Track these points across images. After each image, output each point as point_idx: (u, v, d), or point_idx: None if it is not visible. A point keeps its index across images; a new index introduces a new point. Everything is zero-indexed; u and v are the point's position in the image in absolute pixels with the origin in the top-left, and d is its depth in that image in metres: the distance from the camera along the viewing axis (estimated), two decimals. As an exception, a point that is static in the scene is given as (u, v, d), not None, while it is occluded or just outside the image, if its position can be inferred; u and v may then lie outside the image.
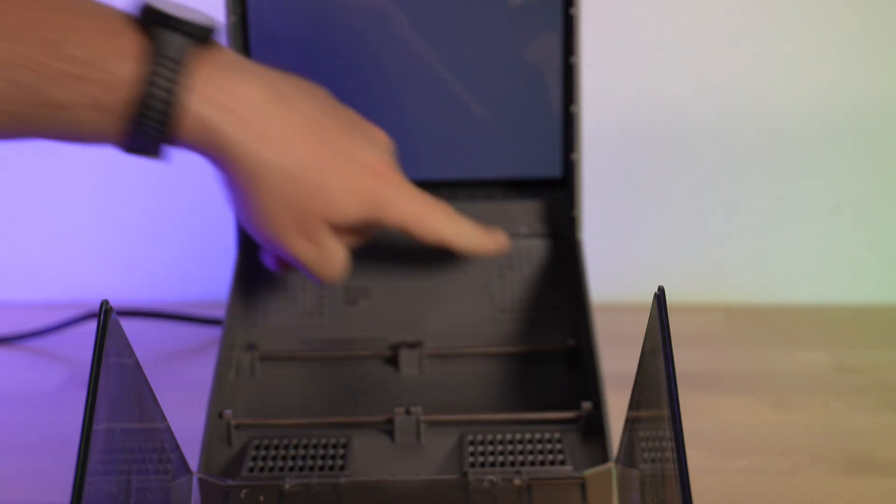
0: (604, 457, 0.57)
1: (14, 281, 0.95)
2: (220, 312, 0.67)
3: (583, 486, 0.56)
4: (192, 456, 0.56)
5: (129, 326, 0.49)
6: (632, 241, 0.91)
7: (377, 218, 0.58)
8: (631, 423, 0.52)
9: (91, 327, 0.62)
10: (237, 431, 0.60)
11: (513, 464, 0.57)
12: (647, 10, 0.85)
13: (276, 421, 0.61)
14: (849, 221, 0.90)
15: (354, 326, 0.67)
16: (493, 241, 0.64)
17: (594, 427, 0.58)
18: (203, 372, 0.65)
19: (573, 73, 0.65)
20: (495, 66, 0.67)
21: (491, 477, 0.56)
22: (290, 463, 0.58)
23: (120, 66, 0.51)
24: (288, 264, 0.62)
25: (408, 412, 0.59)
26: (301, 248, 0.57)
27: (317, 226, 0.57)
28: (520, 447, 0.58)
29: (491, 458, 0.58)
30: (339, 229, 0.58)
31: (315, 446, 0.59)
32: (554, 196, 0.69)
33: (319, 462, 0.58)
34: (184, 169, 0.64)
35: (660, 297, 0.47)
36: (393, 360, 0.66)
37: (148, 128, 0.52)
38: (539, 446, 0.58)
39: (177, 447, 0.54)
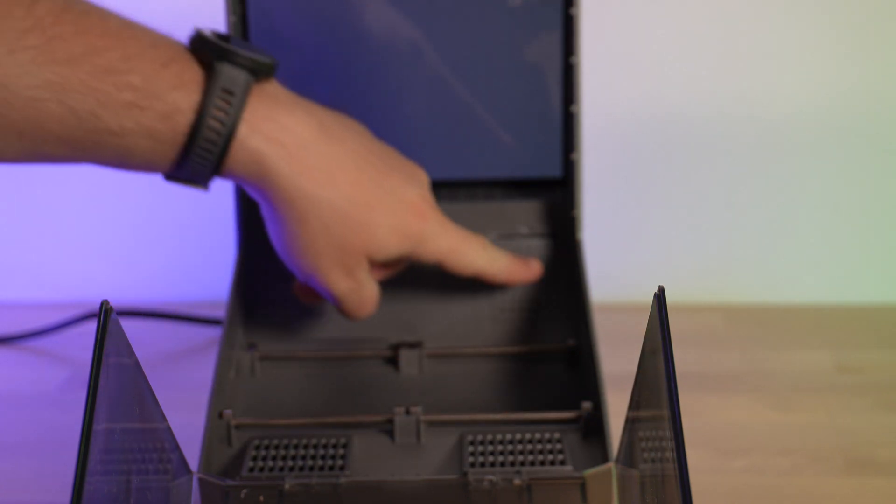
0: (604, 457, 0.57)
1: (14, 281, 0.95)
2: (220, 312, 0.67)
3: (583, 486, 0.56)
4: (192, 456, 0.56)
5: (129, 326, 0.49)
6: (632, 241, 0.91)
7: (416, 254, 0.60)
8: (631, 423, 0.52)
9: (91, 327, 0.62)
10: (237, 431, 0.60)
11: (513, 464, 0.57)
12: (647, 9, 0.85)
13: (276, 421, 0.61)
14: (849, 221, 0.90)
15: (354, 326, 0.67)
16: (526, 269, 0.65)
17: (594, 427, 0.58)
18: (203, 372, 0.65)
19: (573, 73, 0.65)
20: (495, 66, 0.67)
21: (491, 477, 0.56)
22: (290, 463, 0.58)
23: (177, 97, 0.52)
24: (315, 296, 0.64)
25: (408, 412, 0.59)
26: (340, 284, 0.59)
27: (358, 262, 0.58)
28: (520, 447, 0.58)
29: (491, 458, 0.58)
30: (375, 264, 0.60)
31: (315, 446, 0.59)
32: (554, 196, 0.69)
33: (319, 462, 0.58)
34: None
35: (660, 297, 0.47)
36: (393, 360, 0.66)
37: (199, 158, 0.53)
38: (539, 446, 0.58)
39: (177, 447, 0.54)
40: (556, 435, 0.59)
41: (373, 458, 0.58)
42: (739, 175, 0.89)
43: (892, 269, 0.91)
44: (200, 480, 0.56)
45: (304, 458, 0.58)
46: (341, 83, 0.68)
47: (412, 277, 0.67)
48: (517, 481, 0.56)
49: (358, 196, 0.57)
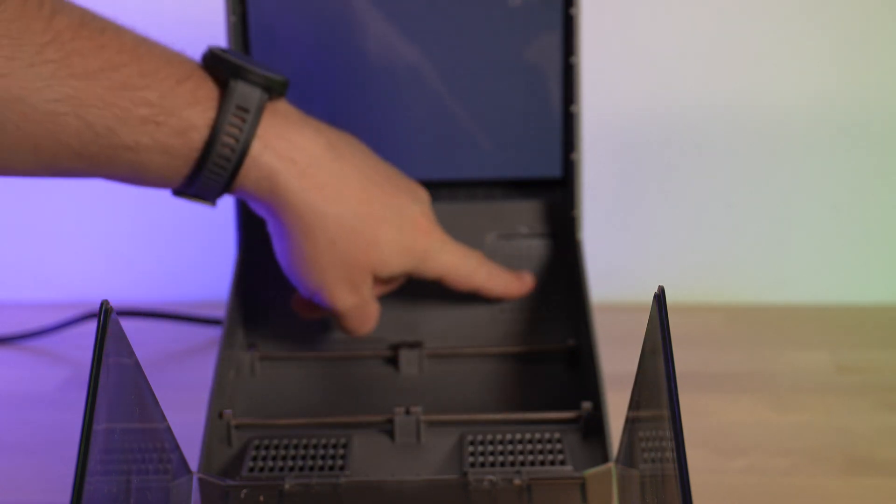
0: (604, 457, 0.57)
1: (14, 281, 0.95)
2: (220, 312, 0.67)
3: (583, 486, 0.56)
4: (192, 456, 0.56)
5: (129, 326, 0.49)
6: (632, 241, 0.91)
7: (418, 271, 0.61)
8: (631, 423, 0.52)
9: (91, 327, 0.62)
10: (237, 431, 0.60)
11: (513, 464, 0.57)
12: (647, 9, 0.85)
13: (276, 421, 0.61)
14: (849, 221, 0.90)
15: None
16: (521, 284, 0.66)
17: (594, 427, 0.58)
18: (203, 372, 0.65)
19: (573, 73, 0.65)
20: (495, 66, 0.67)
21: (491, 477, 0.56)
22: (290, 463, 0.58)
23: (191, 113, 0.53)
24: (315, 311, 0.64)
25: (408, 412, 0.59)
26: (346, 300, 0.60)
27: (363, 278, 0.59)
28: (520, 447, 0.58)
29: (491, 458, 0.58)
30: (377, 280, 0.61)
31: (315, 446, 0.59)
32: (554, 196, 0.69)
33: (319, 462, 0.58)
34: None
35: (660, 297, 0.47)
36: (393, 360, 0.66)
37: (212, 174, 0.54)
38: (539, 446, 0.58)
39: (177, 447, 0.54)
40: (556, 435, 0.59)
41: (373, 458, 0.58)
42: (739, 175, 0.89)
43: (892, 269, 0.91)
44: (200, 480, 0.56)
45: (304, 458, 0.58)
46: (341, 83, 0.68)
47: (412, 277, 0.67)
48: (517, 481, 0.56)
49: (365, 212, 0.58)
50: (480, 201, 0.69)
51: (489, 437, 0.59)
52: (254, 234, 0.66)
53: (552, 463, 0.57)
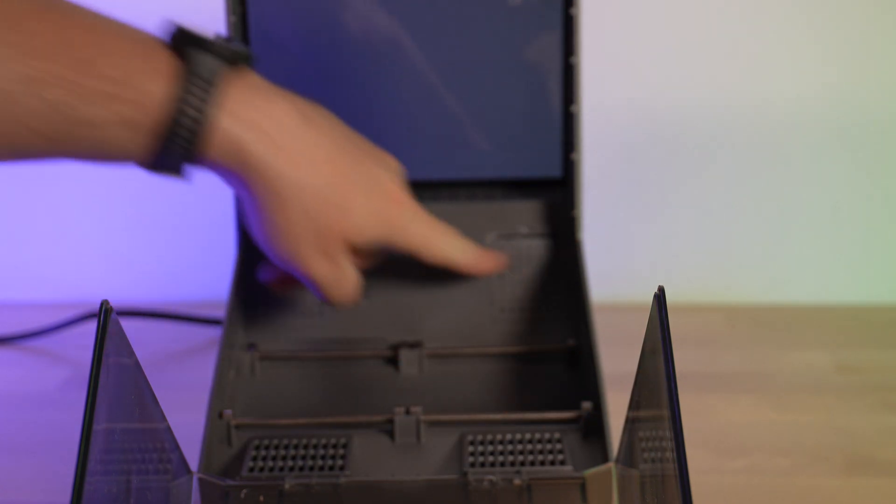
0: (604, 457, 0.57)
1: (14, 281, 0.95)
2: (220, 312, 0.67)
3: (583, 486, 0.56)
4: (192, 456, 0.56)
5: (129, 326, 0.49)
6: (632, 241, 0.91)
7: (392, 241, 0.60)
8: (631, 423, 0.52)
9: (91, 327, 0.62)
10: (237, 431, 0.60)
11: (513, 464, 0.57)
12: (647, 9, 0.85)
13: (276, 421, 0.61)
14: (849, 222, 0.90)
15: (354, 326, 0.67)
16: (492, 261, 0.66)
17: (594, 427, 0.58)
18: (203, 372, 0.65)
19: (573, 73, 0.65)
20: (495, 66, 0.67)
21: (491, 477, 0.56)
22: (290, 463, 0.58)
23: (152, 86, 0.52)
24: (286, 284, 0.64)
25: (408, 412, 0.59)
26: (319, 268, 0.58)
27: (337, 246, 0.58)
28: (520, 447, 0.58)
29: (491, 458, 0.58)
30: (353, 251, 0.59)
31: (315, 446, 0.59)
32: (554, 196, 0.69)
33: (319, 462, 0.58)
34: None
35: (660, 297, 0.47)
36: (393, 360, 0.66)
37: (177, 146, 0.53)
38: (539, 446, 0.58)
39: (177, 447, 0.54)
40: (556, 435, 0.59)
41: (373, 458, 0.58)
42: (739, 175, 0.89)
43: (892, 269, 0.91)
44: (200, 480, 0.56)
45: (304, 458, 0.58)
46: (341, 83, 0.68)
47: (412, 277, 0.67)
48: (517, 481, 0.56)
49: (337, 180, 0.57)
50: (480, 201, 0.69)
51: (489, 437, 0.59)
52: (254, 234, 0.66)
53: (552, 463, 0.57)
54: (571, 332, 0.66)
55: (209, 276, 0.91)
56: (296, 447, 0.59)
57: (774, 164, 0.89)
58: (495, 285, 0.68)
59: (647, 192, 0.90)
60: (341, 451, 0.58)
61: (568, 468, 0.57)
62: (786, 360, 0.81)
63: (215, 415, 0.59)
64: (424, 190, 0.69)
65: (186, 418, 0.57)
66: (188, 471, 0.56)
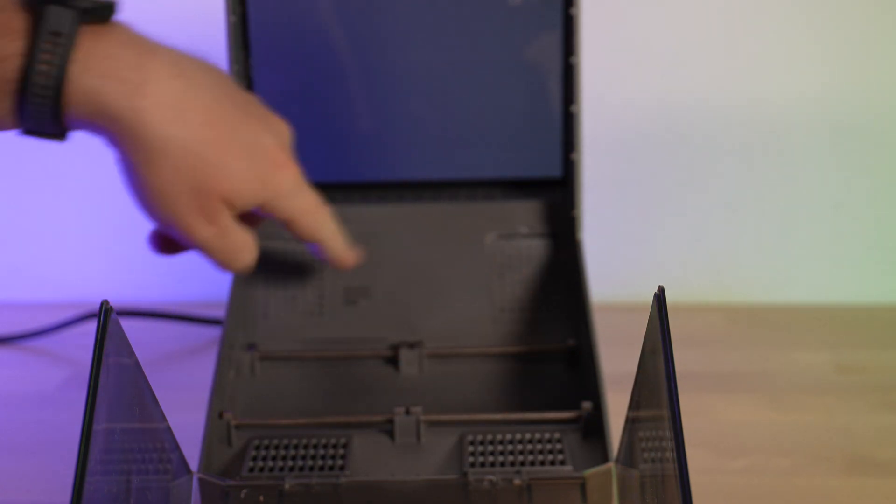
0: (604, 457, 0.57)
1: (14, 281, 0.95)
2: (220, 312, 0.67)
3: (583, 486, 0.56)
4: (192, 456, 0.56)
5: (129, 326, 0.49)
6: (632, 241, 0.91)
7: (270, 206, 0.57)
8: (631, 423, 0.52)
9: (91, 327, 0.62)
10: (237, 431, 0.60)
11: (513, 464, 0.57)
12: (647, 9, 0.85)
13: (276, 421, 0.61)
14: (849, 221, 0.90)
15: (354, 326, 0.67)
16: (349, 255, 0.63)
17: (594, 427, 0.58)
18: (203, 372, 0.65)
19: (573, 73, 0.65)
20: (495, 66, 0.67)
21: (491, 477, 0.56)
22: (290, 463, 0.58)
23: (2, 44, 0.50)
24: (173, 248, 0.61)
25: (408, 412, 0.59)
26: (202, 231, 0.55)
27: (217, 207, 0.55)
28: (520, 447, 0.58)
29: (491, 458, 0.57)
30: (235, 212, 0.57)
31: (315, 446, 0.59)
32: (554, 196, 0.69)
33: (319, 462, 0.58)
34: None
35: (660, 297, 0.47)
36: (393, 360, 0.66)
37: (35, 105, 0.51)
38: (539, 446, 0.58)
39: (177, 447, 0.54)
40: (556, 435, 0.59)
41: (373, 458, 0.58)
42: (740, 175, 0.89)
43: (892, 269, 0.91)
44: (200, 480, 0.56)
45: (304, 458, 0.58)
46: (341, 83, 0.68)
47: (412, 277, 0.67)
48: (517, 481, 0.56)
49: (211, 137, 0.54)
50: (480, 201, 0.69)
51: (489, 437, 0.59)
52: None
53: (552, 463, 0.57)
54: (571, 332, 0.66)
55: (209, 276, 0.91)
56: (296, 447, 0.59)
57: (774, 163, 0.89)
58: (495, 285, 0.68)
59: (647, 192, 0.90)
60: (341, 451, 0.58)
61: (568, 468, 0.57)
62: (786, 360, 0.81)
63: (215, 415, 0.59)
64: (424, 190, 0.69)
65: (186, 418, 0.57)
66: (188, 471, 0.56)
